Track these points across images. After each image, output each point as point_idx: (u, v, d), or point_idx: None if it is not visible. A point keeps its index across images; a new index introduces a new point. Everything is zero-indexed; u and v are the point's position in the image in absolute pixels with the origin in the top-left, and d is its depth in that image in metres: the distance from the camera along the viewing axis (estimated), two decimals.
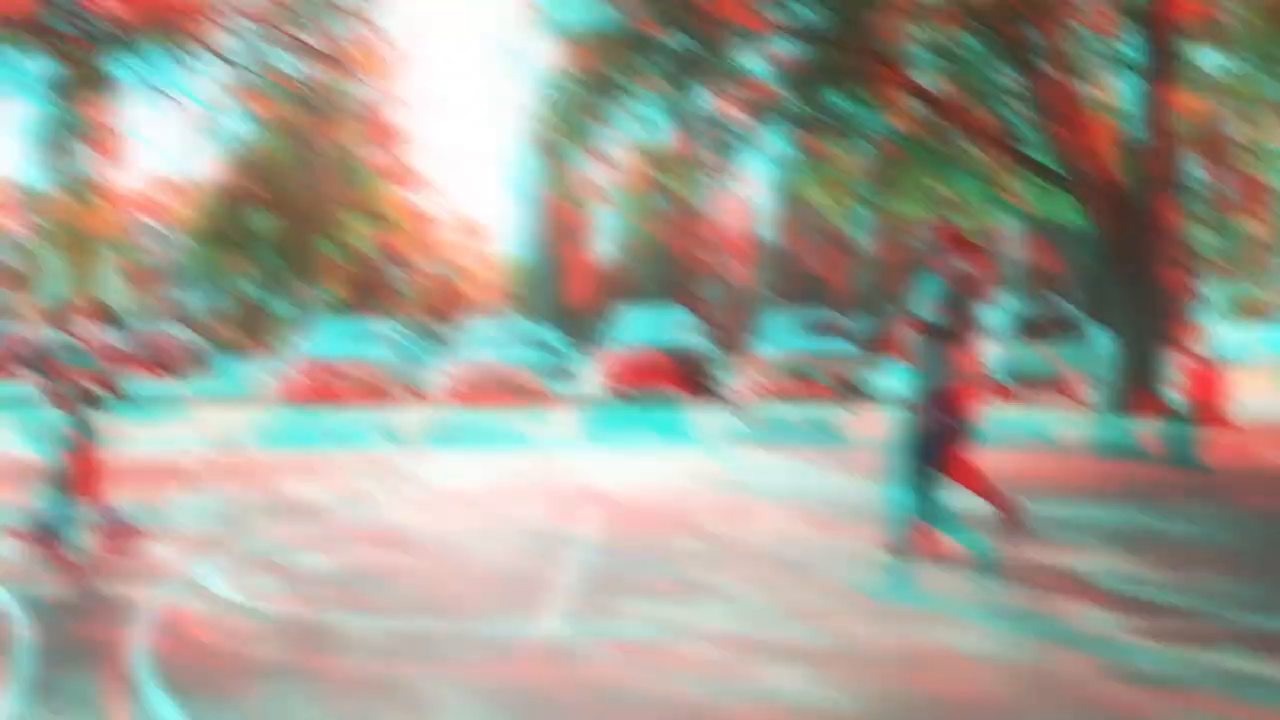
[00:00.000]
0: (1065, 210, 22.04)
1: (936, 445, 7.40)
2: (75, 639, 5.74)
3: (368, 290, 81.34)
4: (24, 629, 5.76)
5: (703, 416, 19.28)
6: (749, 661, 5.25)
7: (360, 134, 56.41)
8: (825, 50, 19.19)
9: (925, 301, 7.56)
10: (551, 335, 38.17)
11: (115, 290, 72.29)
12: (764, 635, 5.67)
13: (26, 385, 9.79)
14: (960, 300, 7.44)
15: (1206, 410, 15.79)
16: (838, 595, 6.58)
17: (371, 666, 5.17)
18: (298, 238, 49.19)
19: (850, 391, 22.00)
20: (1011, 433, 14.34)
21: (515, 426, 17.35)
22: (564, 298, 77.44)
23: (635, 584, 6.78)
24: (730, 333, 41.38)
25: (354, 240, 51.71)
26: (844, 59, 19.01)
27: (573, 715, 4.57)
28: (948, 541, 7.34)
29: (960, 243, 7.67)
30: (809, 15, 19.90)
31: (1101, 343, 23.03)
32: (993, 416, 9.80)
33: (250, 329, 57.77)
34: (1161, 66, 18.41)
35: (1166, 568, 7.13)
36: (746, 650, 5.42)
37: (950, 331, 7.40)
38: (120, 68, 30.04)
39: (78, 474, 7.59)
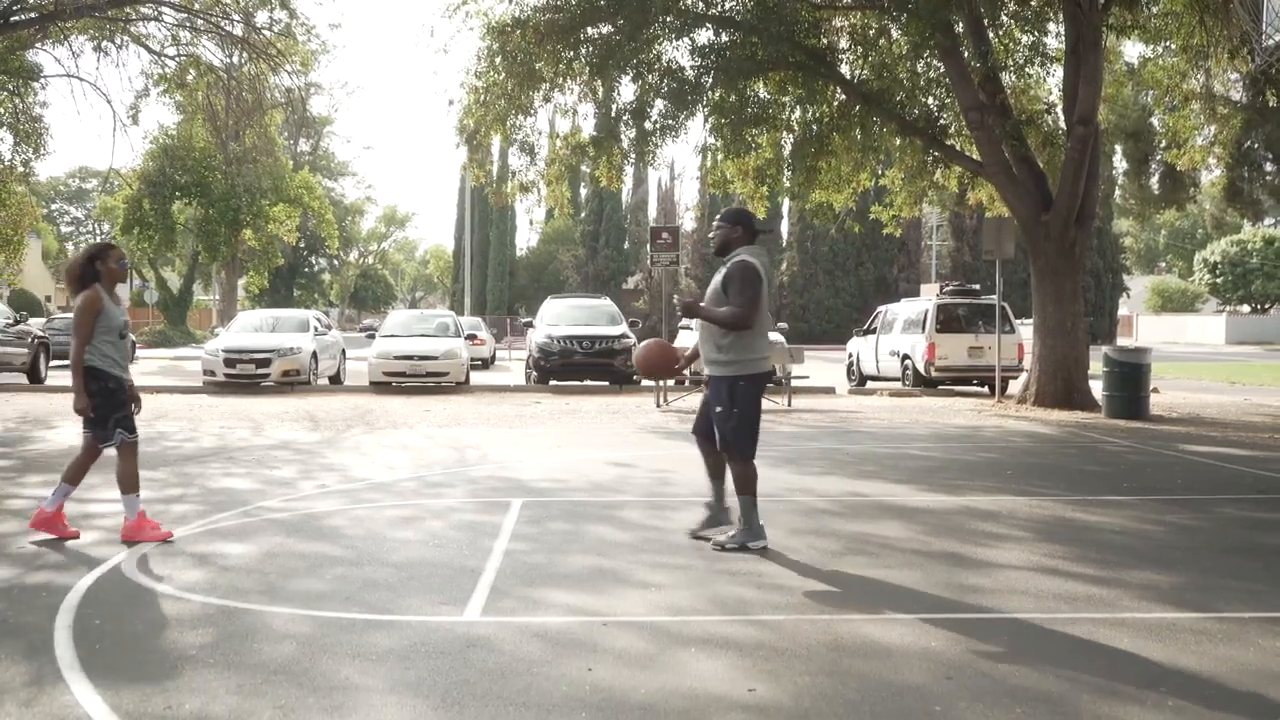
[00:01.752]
0: (989, 201, 22.23)
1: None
2: None
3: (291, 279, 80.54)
4: None
5: (625, 406, 19.26)
6: (672, 650, 5.19)
7: (284, 123, 55.80)
8: (748, 39, 19.13)
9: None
10: (476, 323, 38.07)
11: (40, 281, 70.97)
12: (687, 625, 5.62)
13: None
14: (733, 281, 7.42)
15: None
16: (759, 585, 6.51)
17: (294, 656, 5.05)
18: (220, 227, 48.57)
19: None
20: None
21: (439, 414, 17.19)
22: (488, 287, 77.22)
23: (558, 574, 6.70)
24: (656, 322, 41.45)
25: (277, 229, 51.05)
26: (766, 48, 18.95)
27: (496, 705, 4.42)
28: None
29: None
30: (732, 3, 19.86)
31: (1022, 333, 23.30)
32: None
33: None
34: (1085, 56, 18.51)
35: None
36: (670, 639, 5.37)
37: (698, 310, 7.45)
38: (43, 56, 29.53)
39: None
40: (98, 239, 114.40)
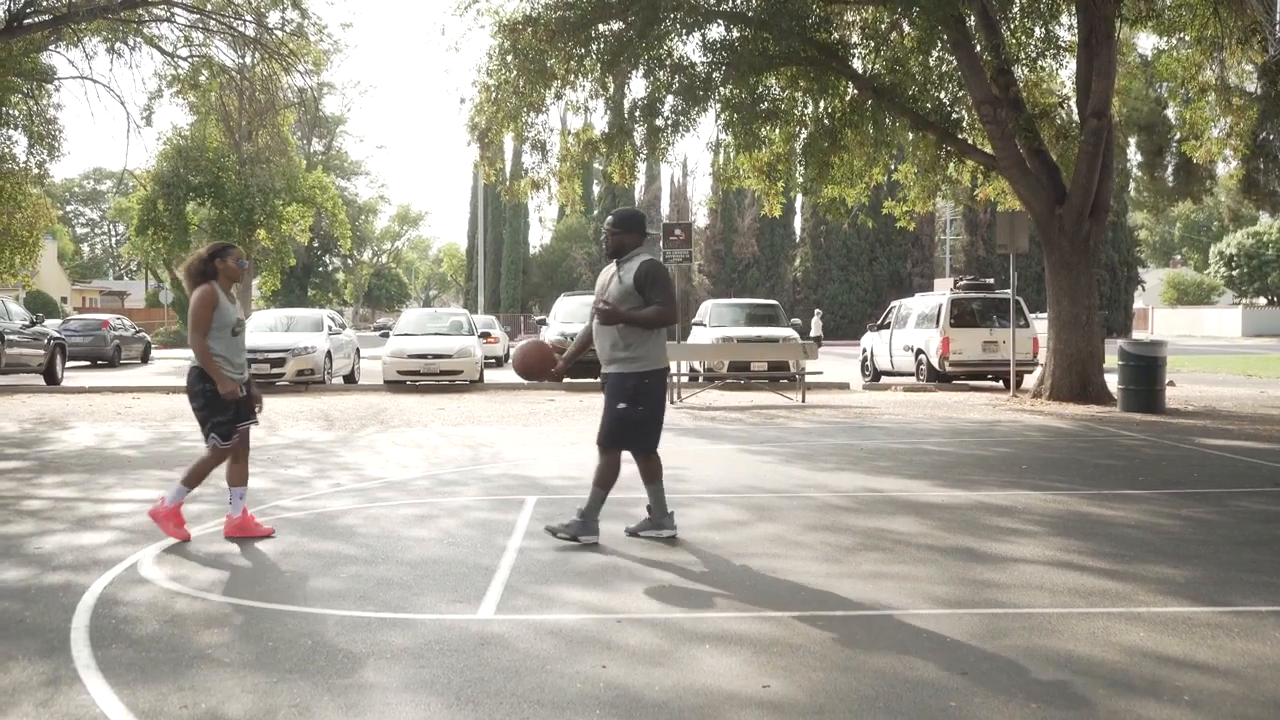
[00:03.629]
0: (1001, 195, 22.17)
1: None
2: (13, 625, 5.67)
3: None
4: None
5: None
6: (686, 647, 5.18)
7: (297, 123, 55.85)
8: (759, 34, 19.11)
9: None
10: (489, 321, 38.09)
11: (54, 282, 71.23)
12: (701, 621, 5.61)
13: None
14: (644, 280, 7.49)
15: None
16: (776, 582, 6.49)
17: (308, 655, 5.06)
18: (234, 227, 48.56)
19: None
20: None
21: (453, 412, 17.21)
22: (502, 285, 77.25)
23: (571, 571, 6.70)
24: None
25: (291, 229, 51.05)
26: (778, 43, 18.91)
27: (510, 703, 4.42)
28: None
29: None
30: None
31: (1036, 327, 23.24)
32: None
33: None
34: (1098, 48, 18.44)
35: None
36: (684, 636, 5.36)
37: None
38: (57, 58, 29.62)
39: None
40: (113, 240, 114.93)
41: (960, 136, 20.97)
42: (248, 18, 28.02)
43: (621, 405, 7.49)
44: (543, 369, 8.07)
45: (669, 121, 19.77)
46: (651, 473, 7.76)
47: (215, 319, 7.62)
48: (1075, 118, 20.34)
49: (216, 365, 7.63)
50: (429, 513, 8.96)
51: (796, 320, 28.89)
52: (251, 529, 7.88)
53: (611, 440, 7.61)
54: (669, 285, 7.54)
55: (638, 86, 21.08)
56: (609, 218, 7.83)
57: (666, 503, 7.85)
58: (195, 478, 7.77)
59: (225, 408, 7.70)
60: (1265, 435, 14.45)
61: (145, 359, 37.61)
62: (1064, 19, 20.34)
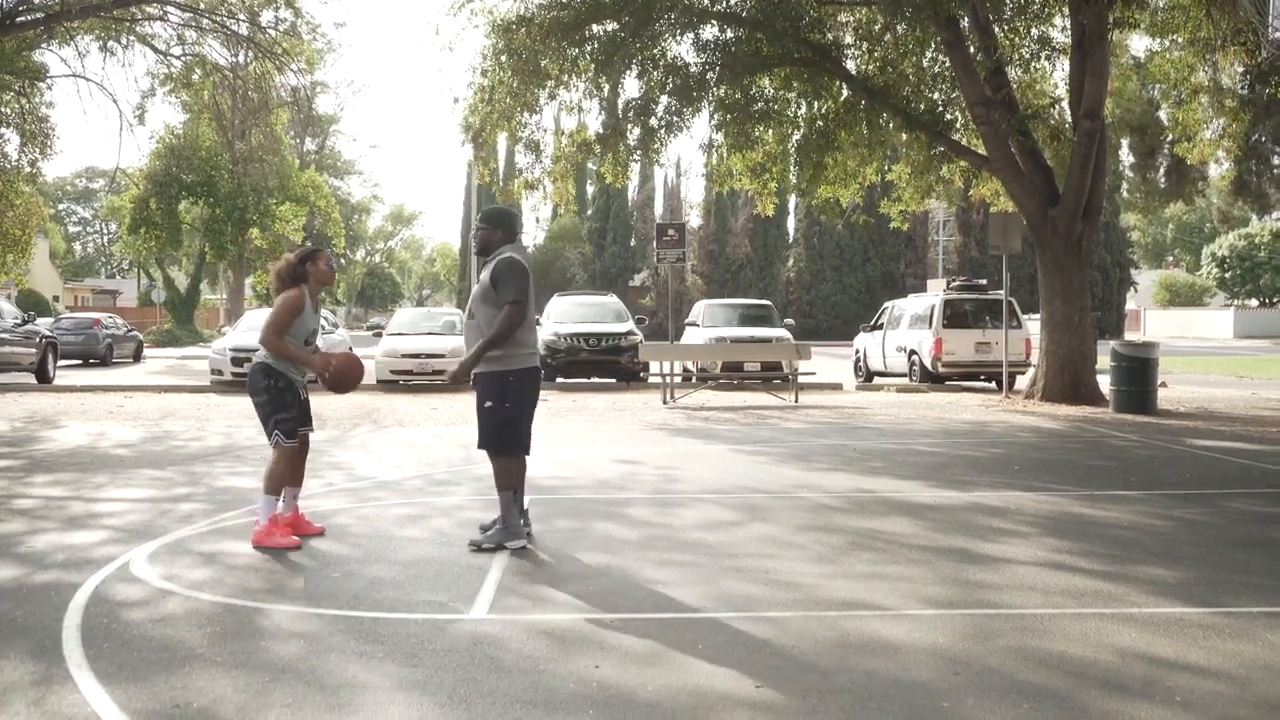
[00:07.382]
0: (995, 196, 22.19)
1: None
2: (5, 624, 5.66)
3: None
4: None
5: (632, 403, 19.27)
6: (679, 647, 5.18)
7: (290, 122, 55.77)
8: (753, 35, 19.12)
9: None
10: None
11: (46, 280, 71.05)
12: (694, 622, 5.61)
13: None
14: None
15: None
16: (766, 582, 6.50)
17: (301, 654, 5.05)
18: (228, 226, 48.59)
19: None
20: None
21: (446, 412, 17.19)
22: None
23: (564, 571, 6.71)
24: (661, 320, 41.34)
25: (284, 229, 51.03)
26: (771, 44, 18.92)
27: (502, 703, 4.42)
28: None
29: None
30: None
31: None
32: None
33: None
34: (1091, 50, 18.46)
35: None
36: (676, 637, 5.36)
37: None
38: (49, 56, 29.58)
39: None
40: (105, 239, 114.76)
41: (954, 137, 20.99)
42: (241, 16, 28.00)
43: (488, 404, 7.47)
44: (355, 380, 7.96)
45: (663, 122, 19.77)
46: (510, 478, 7.59)
47: (295, 324, 7.61)
48: (1068, 119, 20.35)
49: (296, 352, 7.62)
50: (421, 512, 8.96)
51: (790, 320, 28.92)
52: (303, 527, 7.84)
53: (493, 443, 7.55)
54: (521, 280, 7.39)
55: (632, 87, 21.13)
56: (480, 214, 7.80)
57: (516, 510, 7.68)
58: (274, 484, 7.62)
59: (289, 405, 7.64)
60: (1257, 436, 14.48)
61: (137, 358, 37.48)
62: (1057, 20, 20.35)
